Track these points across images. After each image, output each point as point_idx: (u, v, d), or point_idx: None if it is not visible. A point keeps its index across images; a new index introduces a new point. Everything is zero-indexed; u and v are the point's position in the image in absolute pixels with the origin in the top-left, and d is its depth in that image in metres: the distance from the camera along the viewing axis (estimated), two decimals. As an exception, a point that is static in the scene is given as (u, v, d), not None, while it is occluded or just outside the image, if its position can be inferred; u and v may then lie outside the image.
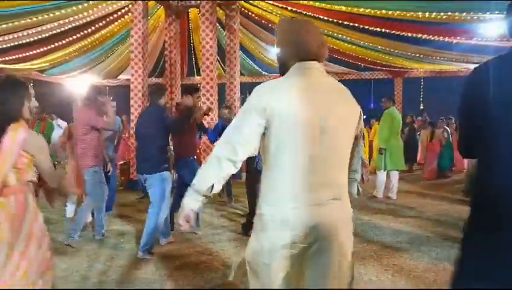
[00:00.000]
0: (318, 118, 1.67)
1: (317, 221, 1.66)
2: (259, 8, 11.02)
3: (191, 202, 1.73)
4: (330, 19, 10.39)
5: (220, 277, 3.81)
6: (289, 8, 10.36)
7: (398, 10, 9.12)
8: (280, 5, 10.39)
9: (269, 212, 1.70)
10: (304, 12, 10.44)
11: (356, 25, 10.34)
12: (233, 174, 1.80)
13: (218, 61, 11.36)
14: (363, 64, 14.51)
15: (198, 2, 9.27)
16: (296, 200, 1.67)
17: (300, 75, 1.74)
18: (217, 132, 5.62)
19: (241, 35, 11.47)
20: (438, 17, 8.90)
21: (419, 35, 10.69)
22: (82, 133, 4.67)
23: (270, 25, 12.16)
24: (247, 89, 8.93)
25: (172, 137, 5.09)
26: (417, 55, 12.69)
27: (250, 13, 11.49)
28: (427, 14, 8.83)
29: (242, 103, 5.66)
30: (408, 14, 9.20)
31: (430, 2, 8.59)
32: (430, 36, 10.63)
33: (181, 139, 5.04)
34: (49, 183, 2.44)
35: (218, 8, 9.91)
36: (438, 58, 12.92)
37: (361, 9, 9.40)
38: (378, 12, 9.21)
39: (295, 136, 1.66)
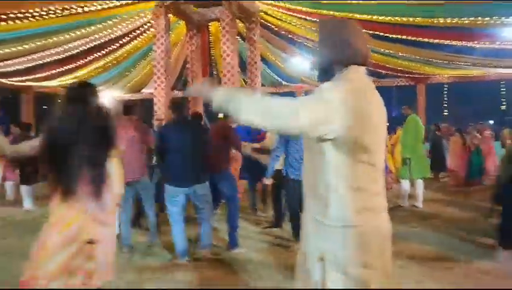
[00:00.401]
0: (383, 125, 1.70)
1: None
2: (278, 19, 11.12)
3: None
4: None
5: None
6: (308, 18, 10.42)
7: (418, 17, 9.07)
8: (299, 16, 10.45)
9: (362, 222, 1.64)
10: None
11: (376, 32, 10.31)
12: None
13: (239, 73, 11.48)
14: (384, 72, 14.42)
15: (219, 15, 9.43)
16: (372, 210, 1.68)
17: (358, 79, 1.69)
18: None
19: (261, 46, 11.57)
20: (460, 22, 8.81)
21: (441, 41, 10.59)
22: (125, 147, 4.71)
23: (289, 35, 12.26)
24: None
25: (209, 149, 5.21)
26: (439, 61, 12.55)
27: (269, 24, 11.60)
28: (448, 20, 8.76)
29: None
30: (429, 20, 9.15)
31: (452, 4, 8.47)
32: (452, 41, 10.52)
33: (218, 151, 5.15)
34: None
35: (238, 21, 10.04)
36: (461, 63, 12.75)
37: (381, 18, 9.40)
38: (399, 19, 9.19)
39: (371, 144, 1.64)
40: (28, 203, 8.07)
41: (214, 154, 5.12)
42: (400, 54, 12.07)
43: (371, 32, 10.41)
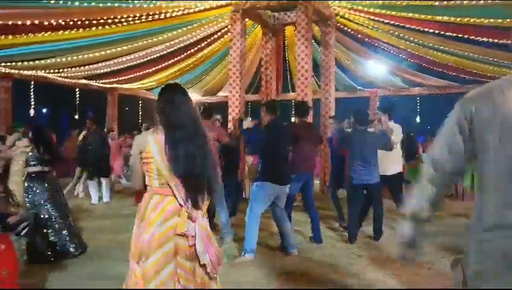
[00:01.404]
0: None
1: None
2: (356, 22, 10.92)
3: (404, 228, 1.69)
4: (433, 31, 9.94)
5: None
6: (386, 21, 10.13)
7: (508, 18, 8.47)
8: (377, 19, 10.19)
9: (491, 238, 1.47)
10: (402, 25, 10.15)
11: (461, 35, 9.76)
12: None
13: (313, 77, 11.43)
14: (467, 77, 13.62)
15: (294, 19, 9.47)
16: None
17: None
18: None
19: (336, 51, 11.44)
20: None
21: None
22: None
23: (366, 40, 11.99)
24: (341, 104, 8.79)
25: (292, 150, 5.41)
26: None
27: (346, 28, 11.43)
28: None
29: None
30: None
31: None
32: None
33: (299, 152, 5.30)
34: None
35: (313, 25, 10.01)
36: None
37: (466, 19, 8.90)
38: (486, 21, 8.65)
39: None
40: (95, 197, 8.63)
41: (302, 154, 5.27)
42: (490, 59, 11.26)
43: (454, 35, 9.91)
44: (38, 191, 4.93)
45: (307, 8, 8.91)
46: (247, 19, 9.78)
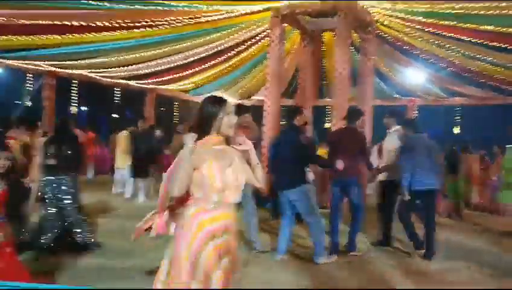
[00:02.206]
0: None
1: None
2: (396, 30, 10.77)
3: None
4: (476, 40, 9.68)
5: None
6: (426, 29, 9.95)
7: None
8: (418, 26, 10.02)
9: None
10: (444, 34, 9.93)
11: (506, 45, 9.47)
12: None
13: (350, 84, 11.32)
14: (508, 88, 13.18)
15: (334, 25, 9.42)
16: None
17: None
18: None
19: (374, 58, 11.29)
20: None
21: None
22: None
23: (405, 47, 11.80)
24: (377, 112, 8.70)
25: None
26: None
27: (384, 35, 11.29)
28: None
29: None
30: None
31: None
32: None
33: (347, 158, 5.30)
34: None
35: (352, 31, 9.93)
36: None
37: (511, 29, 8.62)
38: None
39: None
40: (141, 197, 8.81)
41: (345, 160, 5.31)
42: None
43: (497, 45, 9.63)
44: (55, 184, 5.14)
45: (347, 15, 8.85)
46: (286, 24, 9.80)
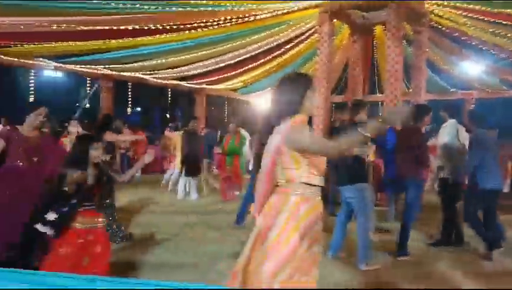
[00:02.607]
0: None
1: None
2: (451, 20, 10.34)
3: None
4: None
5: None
6: (486, 18, 9.46)
7: None
8: (475, 16, 9.56)
9: None
10: (505, 23, 9.41)
11: None
12: None
13: (403, 78, 11.00)
14: None
15: (385, 18, 9.18)
16: None
17: None
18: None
19: (427, 50, 10.90)
20: None
21: None
22: None
23: (462, 38, 11.30)
24: (433, 107, 8.40)
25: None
26: None
27: (439, 26, 10.87)
28: None
29: None
30: None
31: None
32: None
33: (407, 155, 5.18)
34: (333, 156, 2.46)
35: (404, 23, 9.64)
36: None
37: None
38: None
39: None
40: (194, 194, 8.99)
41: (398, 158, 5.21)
42: None
43: None
44: None
45: (398, 7, 8.60)
46: (335, 20, 9.66)
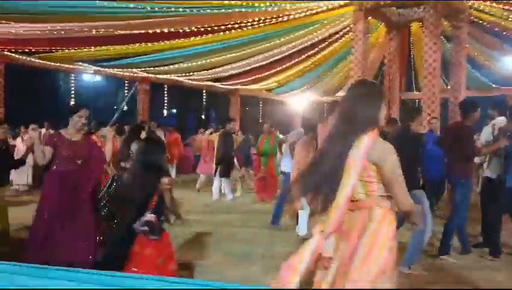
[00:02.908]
0: None
1: None
2: (492, 15, 9.97)
3: None
4: None
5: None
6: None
7: None
8: (517, 9, 9.18)
9: None
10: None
11: None
12: None
13: (441, 75, 10.70)
14: None
15: (422, 15, 8.95)
16: None
17: None
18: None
19: (467, 46, 10.56)
20: None
21: None
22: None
23: (504, 33, 10.88)
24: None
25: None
26: None
27: (480, 21, 10.50)
28: None
29: None
30: None
31: None
32: None
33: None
34: (400, 204, 2.21)
35: (442, 19, 9.37)
36: None
37: None
38: None
39: None
40: (229, 194, 9.02)
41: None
42: None
43: None
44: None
45: (436, 3, 8.37)
46: (369, 17, 9.51)
